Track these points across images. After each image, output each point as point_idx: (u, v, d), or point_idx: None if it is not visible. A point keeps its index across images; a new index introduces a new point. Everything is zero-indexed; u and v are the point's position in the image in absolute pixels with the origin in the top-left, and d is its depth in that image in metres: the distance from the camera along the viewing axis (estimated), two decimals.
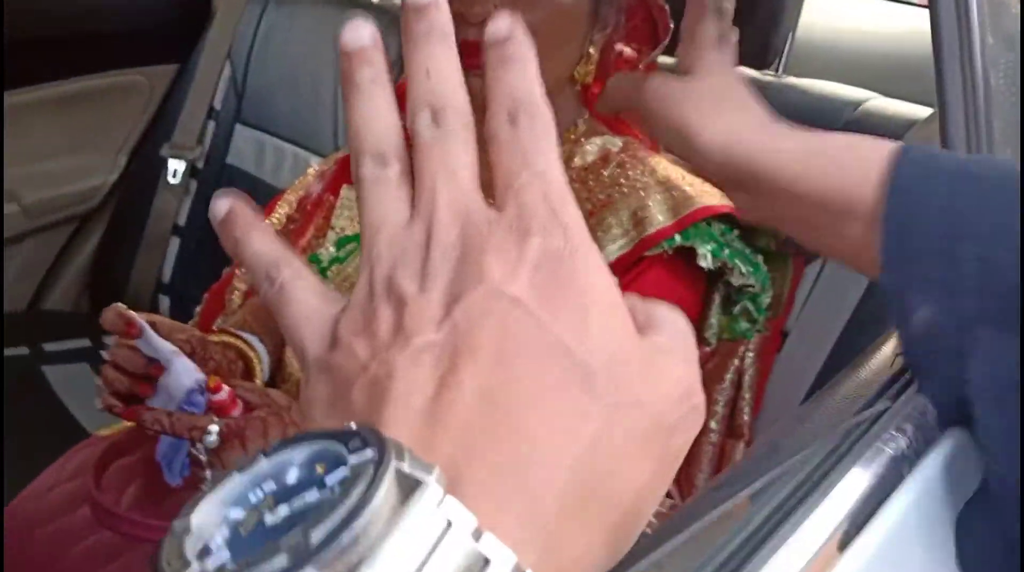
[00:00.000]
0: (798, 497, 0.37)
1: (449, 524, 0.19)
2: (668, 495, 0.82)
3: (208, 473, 0.66)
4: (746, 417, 0.85)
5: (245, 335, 0.85)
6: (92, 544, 0.71)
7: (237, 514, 0.21)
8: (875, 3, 1.34)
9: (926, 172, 0.42)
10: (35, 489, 0.80)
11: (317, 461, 0.21)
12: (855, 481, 0.37)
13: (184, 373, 0.68)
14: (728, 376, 0.85)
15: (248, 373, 0.83)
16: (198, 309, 1.14)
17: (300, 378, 0.84)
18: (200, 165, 1.57)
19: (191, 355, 0.75)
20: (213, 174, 1.57)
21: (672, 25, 0.85)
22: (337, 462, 0.21)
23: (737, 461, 0.82)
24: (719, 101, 0.52)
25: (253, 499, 0.21)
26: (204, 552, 0.20)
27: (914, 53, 1.12)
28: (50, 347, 1.48)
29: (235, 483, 0.21)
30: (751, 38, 0.91)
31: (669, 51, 0.87)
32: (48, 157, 1.59)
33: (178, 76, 1.63)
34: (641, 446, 0.23)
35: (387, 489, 0.19)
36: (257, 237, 0.27)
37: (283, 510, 0.21)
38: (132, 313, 0.73)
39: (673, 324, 0.26)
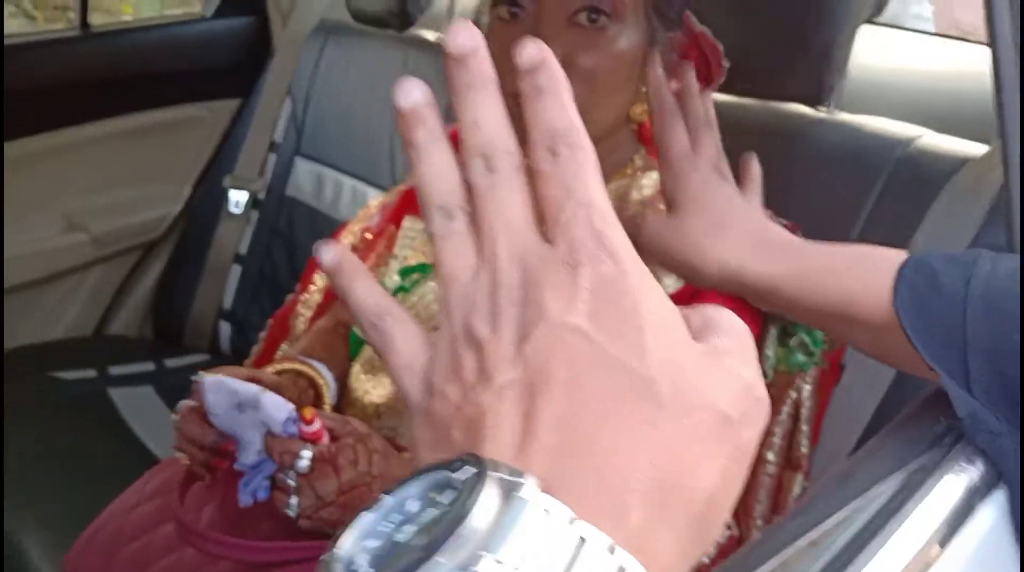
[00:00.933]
0: (872, 529, 0.39)
1: (547, 512, 0.22)
2: (727, 526, 0.83)
3: (293, 500, 0.69)
4: (804, 449, 0.85)
5: (313, 362, 0.88)
6: (174, 561, 0.74)
7: (373, 543, 0.24)
8: (928, 40, 1.35)
9: (927, 299, 0.45)
10: (118, 508, 0.84)
11: (431, 490, 0.24)
12: (929, 510, 0.39)
13: (275, 407, 0.71)
14: (785, 408, 0.86)
15: (318, 399, 0.86)
16: (262, 334, 1.18)
17: (364, 401, 0.87)
18: (261, 196, 1.63)
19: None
20: (274, 205, 1.62)
21: (727, 64, 0.87)
22: (447, 486, 0.24)
23: (800, 496, 0.83)
24: (710, 233, 0.54)
25: (384, 529, 0.24)
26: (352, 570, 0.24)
27: (968, 89, 1.13)
28: (116, 370, 1.54)
29: (366, 520, 0.24)
30: (804, 76, 0.94)
31: (725, 87, 0.90)
32: (116, 188, 1.66)
33: (240, 110, 1.70)
34: (711, 443, 0.25)
35: (491, 489, 0.22)
36: (362, 286, 0.30)
37: (409, 529, 0.24)
38: (203, 379, 0.75)
39: (728, 323, 0.28)
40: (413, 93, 0.29)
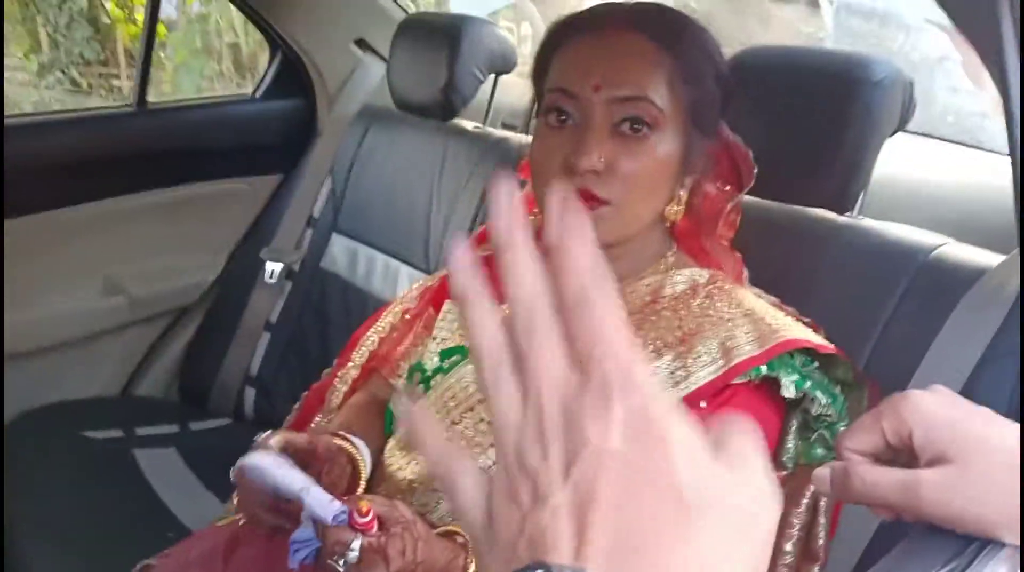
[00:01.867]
0: None
1: None
2: None
3: None
4: (821, 540, 0.87)
5: (353, 439, 0.92)
6: None
7: None
8: (951, 148, 1.40)
9: None
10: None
11: None
12: None
13: (320, 506, 0.73)
14: (804, 500, 0.88)
15: (355, 476, 0.89)
16: (296, 406, 1.21)
17: (398, 477, 0.89)
18: (296, 268, 1.69)
19: (322, 463, 0.82)
20: (307, 276, 1.68)
21: (756, 169, 0.93)
22: None
23: None
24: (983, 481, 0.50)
25: None
26: None
27: (989, 199, 1.18)
28: (141, 431, 1.57)
29: None
30: (830, 185, 1.00)
31: (755, 191, 0.96)
32: (156, 255, 1.72)
33: (280, 186, 1.78)
34: (737, 536, 0.30)
35: None
36: (433, 435, 0.35)
37: None
38: (244, 463, 0.78)
39: (739, 431, 0.33)
40: (463, 257, 0.34)
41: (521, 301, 0.32)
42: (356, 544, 0.71)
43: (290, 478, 0.75)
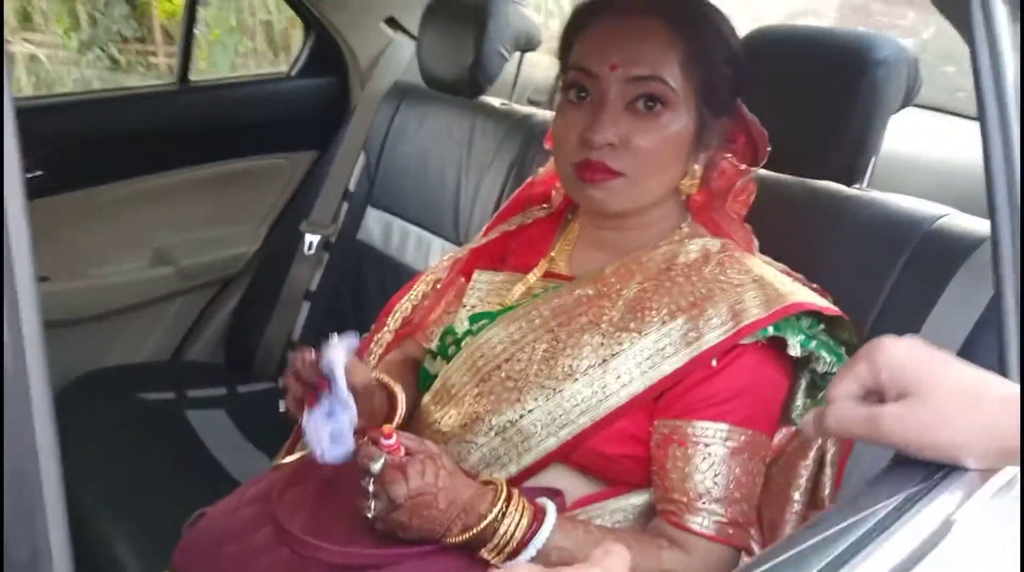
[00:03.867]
0: (867, 538, 0.49)
1: None
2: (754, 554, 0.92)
3: (372, 503, 0.80)
4: (827, 491, 0.95)
5: (392, 382, 1.00)
6: (272, 560, 0.85)
7: None
8: (960, 122, 1.42)
9: None
10: (219, 513, 0.95)
11: None
12: (915, 526, 0.49)
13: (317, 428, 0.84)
14: (811, 453, 0.95)
15: (391, 411, 0.98)
16: None
17: (433, 430, 0.97)
18: (333, 240, 1.77)
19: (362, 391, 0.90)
20: (343, 248, 1.77)
21: (769, 148, 0.99)
22: None
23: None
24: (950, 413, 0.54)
25: None
26: None
27: None
28: (192, 393, 1.67)
29: None
30: (838, 159, 1.05)
31: (768, 166, 1.02)
32: (201, 227, 1.82)
33: (317, 161, 1.86)
34: None
35: None
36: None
37: None
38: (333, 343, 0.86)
39: None
40: None
41: None
42: (381, 457, 0.79)
43: (345, 394, 0.84)
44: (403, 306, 1.21)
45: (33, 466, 0.31)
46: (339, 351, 0.86)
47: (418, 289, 1.21)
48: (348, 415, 0.85)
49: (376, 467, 0.79)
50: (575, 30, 0.96)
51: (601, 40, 0.92)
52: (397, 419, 0.98)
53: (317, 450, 0.84)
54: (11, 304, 0.29)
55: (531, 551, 0.82)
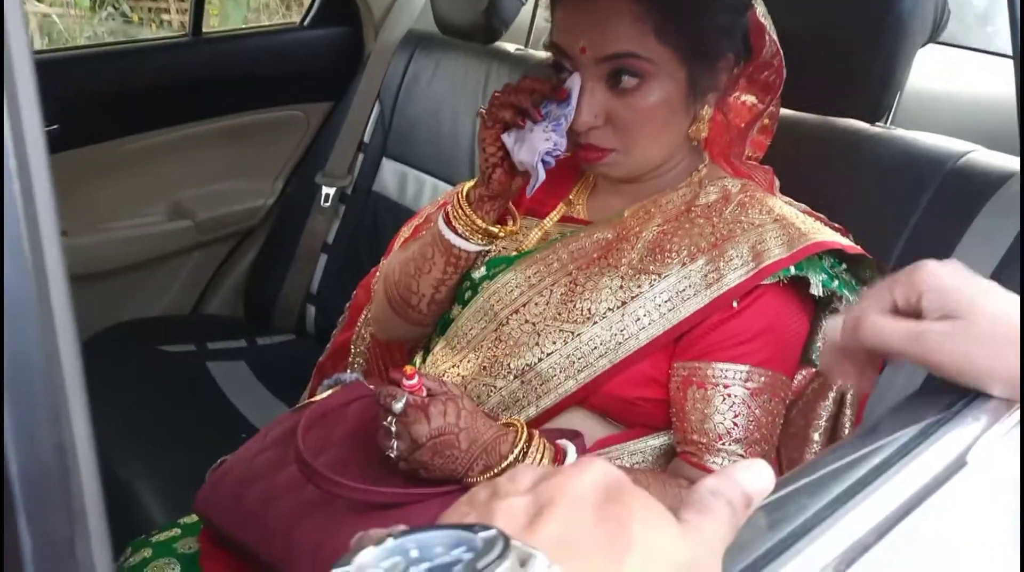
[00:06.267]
0: (887, 463, 0.49)
1: None
2: None
3: (395, 442, 0.80)
4: (847, 431, 0.94)
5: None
6: (295, 500, 0.86)
7: (386, 564, 0.30)
8: (987, 58, 1.39)
9: None
10: (242, 455, 0.96)
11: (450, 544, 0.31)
12: (935, 452, 0.49)
13: (542, 140, 0.88)
14: (831, 393, 0.95)
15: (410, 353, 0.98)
16: (347, 305, 1.31)
17: (448, 375, 0.98)
18: (349, 191, 1.77)
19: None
20: (360, 200, 1.76)
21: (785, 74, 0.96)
22: (459, 544, 0.30)
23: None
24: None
25: (397, 560, 0.30)
26: None
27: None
28: (212, 345, 1.69)
29: (385, 547, 0.30)
30: (863, 95, 1.03)
31: (789, 103, 0.99)
32: (218, 181, 1.82)
33: (331, 113, 1.84)
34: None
35: (514, 551, 0.29)
36: None
37: (422, 567, 0.30)
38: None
39: (698, 502, 0.36)
40: None
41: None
42: (403, 397, 0.79)
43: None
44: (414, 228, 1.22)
45: (65, 414, 0.31)
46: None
47: (417, 221, 1.21)
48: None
49: (398, 407, 0.80)
50: (551, 5, 0.93)
51: (568, 20, 0.90)
52: (418, 362, 0.99)
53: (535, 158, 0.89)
54: (37, 258, 0.29)
55: None
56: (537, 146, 0.89)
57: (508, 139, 0.93)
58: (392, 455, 0.81)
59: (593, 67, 0.88)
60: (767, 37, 0.92)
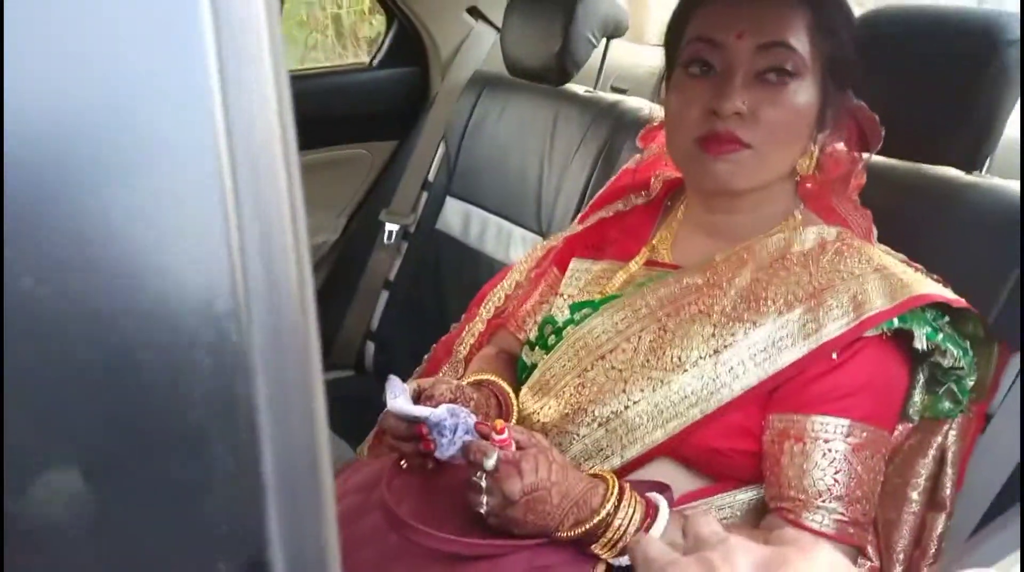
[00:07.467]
0: None
1: None
2: (869, 558, 0.88)
3: (484, 498, 0.78)
4: (948, 491, 0.90)
5: (500, 380, 0.99)
6: (379, 548, 0.84)
7: None
8: None
9: None
10: None
11: None
12: None
13: (447, 422, 0.82)
14: (931, 452, 0.91)
15: (501, 409, 0.96)
16: (425, 357, 1.29)
17: (532, 421, 0.96)
18: (412, 229, 1.77)
19: (454, 400, 0.89)
20: (423, 237, 1.76)
21: (883, 132, 0.94)
22: None
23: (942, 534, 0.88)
24: None
25: None
26: None
27: None
28: None
29: None
30: (962, 144, 1.00)
31: (884, 151, 0.97)
32: None
33: (397, 151, 1.85)
34: None
35: None
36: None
37: None
38: (394, 386, 0.86)
39: None
40: None
41: None
42: (495, 453, 0.77)
43: (414, 409, 0.84)
44: (496, 296, 1.20)
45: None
46: (398, 392, 0.86)
47: (511, 278, 1.19)
48: (465, 424, 0.84)
49: (490, 464, 0.78)
50: (694, 3, 0.93)
51: (725, 10, 0.89)
52: (512, 417, 0.97)
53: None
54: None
55: None
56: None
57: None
58: (482, 511, 0.79)
59: (747, 55, 0.87)
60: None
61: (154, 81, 0.27)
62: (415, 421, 0.84)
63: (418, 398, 0.90)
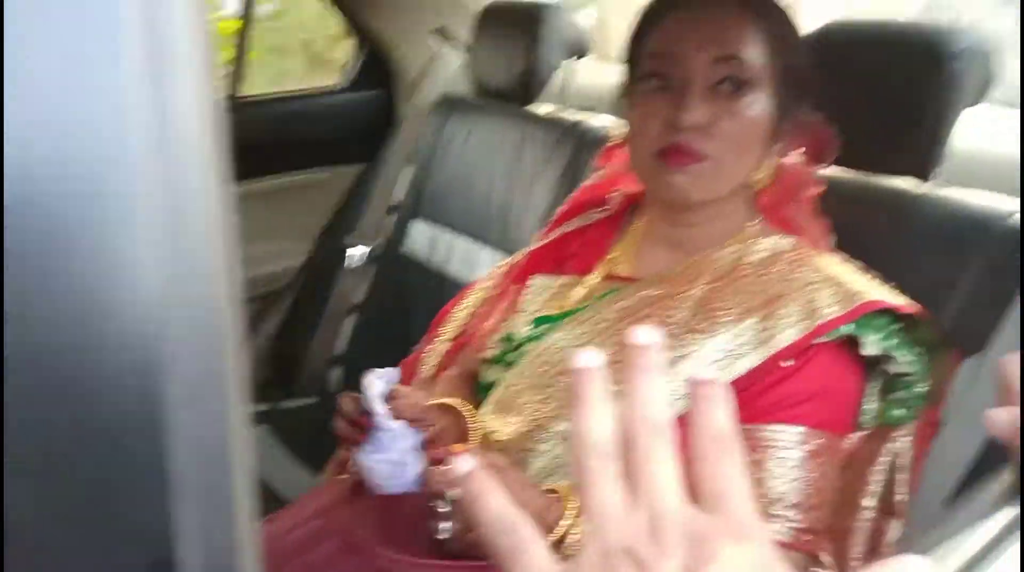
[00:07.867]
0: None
1: None
2: (827, 565, 0.88)
3: (445, 524, 0.77)
4: (899, 497, 0.90)
5: (462, 404, 0.98)
6: None
7: None
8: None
9: None
10: (275, 531, 0.91)
11: None
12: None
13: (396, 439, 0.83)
14: (883, 458, 0.91)
15: (461, 432, 0.95)
16: None
17: (491, 439, 0.95)
18: (379, 253, 1.76)
19: (416, 420, 0.88)
20: (389, 261, 1.75)
21: (837, 145, 0.96)
22: None
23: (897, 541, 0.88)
24: None
25: None
26: None
27: None
28: None
29: None
30: (912, 154, 1.01)
31: (837, 160, 0.99)
32: (246, 243, 1.80)
33: (363, 175, 1.85)
34: None
35: None
36: (495, 499, 0.36)
37: None
38: (372, 382, 0.86)
39: None
40: (594, 358, 0.38)
41: (650, 417, 0.36)
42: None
43: (381, 409, 0.84)
44: (458, 314, 1.19)
45: None
46: (376, 385, 0.85)
47: (473, 297, 1.19)
48: (403, 444, 0.83)
49: (456, 492, 0.77)
50: (651, 20, 0.94)
51: (682, 24, 0.91)
52: (471, 442, 0.96)
53: (372, 483, 0.84)
54: None
55: None
56: (366, 469, 0.85)
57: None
58: (442, 537, 0.78)
59: (704, 67, 0.88)
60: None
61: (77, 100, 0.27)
62: (369, 414, 0.84)
63: (390, 399, 0.89)
